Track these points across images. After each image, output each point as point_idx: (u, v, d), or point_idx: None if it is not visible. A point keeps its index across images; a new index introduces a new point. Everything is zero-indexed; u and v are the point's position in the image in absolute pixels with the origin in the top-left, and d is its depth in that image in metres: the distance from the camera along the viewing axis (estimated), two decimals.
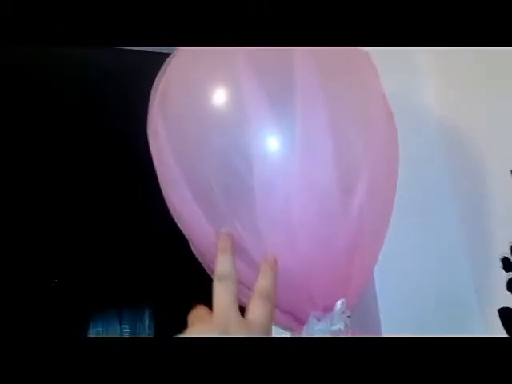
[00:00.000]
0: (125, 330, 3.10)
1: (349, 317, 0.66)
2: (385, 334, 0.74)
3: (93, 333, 3.11)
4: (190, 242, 0.71)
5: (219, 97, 0.60)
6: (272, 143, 0.57)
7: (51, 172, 2.20)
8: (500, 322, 0.73)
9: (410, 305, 0.78)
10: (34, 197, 2.40)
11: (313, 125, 0.57)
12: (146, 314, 3.12)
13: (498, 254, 0.76)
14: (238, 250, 0.59)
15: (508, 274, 0.76)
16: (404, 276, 0.79)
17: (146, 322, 3.09)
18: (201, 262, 0.71)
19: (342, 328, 0.65)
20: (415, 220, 0.84)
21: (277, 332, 0.65)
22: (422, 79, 0.98)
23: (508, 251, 0.76)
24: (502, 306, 0.73)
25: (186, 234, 0.70)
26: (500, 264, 0.77)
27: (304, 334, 0.65)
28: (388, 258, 0.70)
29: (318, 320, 0.65)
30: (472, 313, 0.77)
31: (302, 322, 0.66)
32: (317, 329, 0.64)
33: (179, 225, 0.69)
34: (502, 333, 0.73)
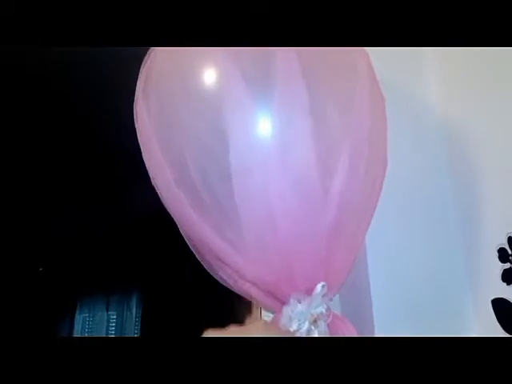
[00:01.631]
0: (112, 317, 3.11)
1: (330, 300, 0.63)
2: (376, 321, 0.72)
3: (79, 319, 3.12)
4: (178, 225, 0.69)
5: (198, 81, 0.60)
6: (250, 125, 0.57)
7: (40, 158, 2.18)
8: (493, 312, 0.70)
9: (403, 294, 0.77)
10: (24, 182, 2.37)
11: (291, 106, 0.56)
12: (134, 301, 3.11)
13: (493, 245, 0.74)
14: (221, 232, 0.59)
15: (503, 264, 0.73)
16: (397, 264, 0.77)
17: (134, 310, 3.09)
18: (187, 243, 0.70)
19: (324, 311, 0.62)
20: (411, 209, 0.81)
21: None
22: (424, 73, 0.95)
23: (505, 241, 0.73)
24: (496, 296, 0.70)
25: (172, 216, 0.68)
26: (496, 254, 0.74)
27: (284, 316, 0.62)
28: (381, 247, 0.68)
29: (299, 302, 0.62)
30: (465, 303, 0.74)
31: (284, 303, 0.63)
32: (297, 311, 0.61)
33: (166, 208, 0.69)
34: (494, 323, 0.70)
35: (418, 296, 0.76)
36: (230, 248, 0.60)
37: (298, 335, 0.64)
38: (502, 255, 0.74)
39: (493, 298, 0.70)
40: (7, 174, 2.28)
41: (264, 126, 0.56)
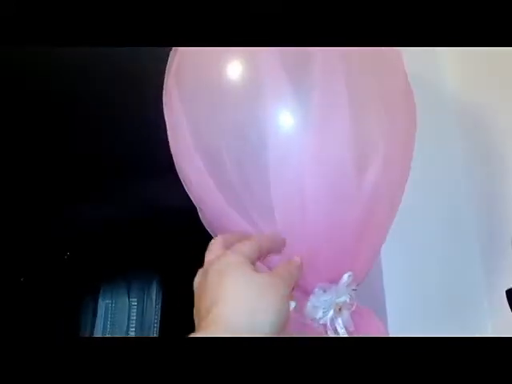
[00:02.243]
0: (133, 304, 3.20)
1: (354, 290, 0.66)
2: (389, 311, 0.74)
3: (102, 305, 3.21)
4: (199, 211, 0.71)
5: (236, 69, 0.59)
6: (288, 117, 0.57)
7: (64, 148, 2.23)
8: (507, 303, 0.72)
9: (415, 285, 0.78)
10: (51, 171, 2.44)
11: (330, 99, 0.57)
12: (154, 288, 3.20)
13: (509, 236, 0.75)
14: (251, 221, 0.60)
15: None
16: (410, 255, 0.78)
17: (153, 296, 3.17)
18: (208, 230, 0.71)
19: (348, 300, 0.65)
20: (427, 200, 0.82)
21: None
22: (444, 63, 0.95)
23: None
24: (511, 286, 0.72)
25: (195, 203, 0.71)
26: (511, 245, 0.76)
27: (309, 306, 0.66)
28: (395, 237, 0.70)
29: (324, 291, 0.65)
30: (479, 295, 0.76)
31: (307, 292, 0.66)
32: (322, 300, 0.65)
33: (190, 194, 0.70)
34: (508, 314, 0.72)
35: (431, 288, 0.77)
36: None
37: (322, 322, 0.67)
38: None
39: (507, 288, 0.72)
40: (35, 162, 2.36)
41: (302, 118, 0.57)
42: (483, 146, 0.86)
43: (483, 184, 0.82)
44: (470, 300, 0.76)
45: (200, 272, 0.54)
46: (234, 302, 0.44)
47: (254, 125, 0.57)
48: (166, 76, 0.68)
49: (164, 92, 0.69)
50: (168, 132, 0.69)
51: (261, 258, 0.54)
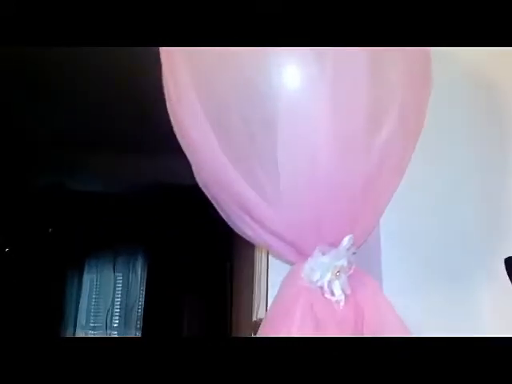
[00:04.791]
0: (118, 278, 3.18)
1: (354, 254, 0.65)
2: (384, 273, 0.73)
3: (87, 279, 3.19)
4: (194, 171, 0.68)
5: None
6: (300, 70, 0.55)
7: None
8: (505, 271, 0.72)
9: (413, 249, 0.77)
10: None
11: (348, 59, 0.55)
12: (139, 263, 3.18)
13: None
14: (255, 181, 0.57)
15: None
16: (409, 219, 0.77)
17: (139, 272, 3.16)
18: (204, 192, 0.69)
19: (345, 264, 0.64)
20: (427, 165, 0.80)
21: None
22: None
23: None
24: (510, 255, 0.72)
25: (193, 162, 0.68)
26: None
27: (306, 267, 0.65)
28: (395, 200, 0.68)
29: (324, 254, 0.64)
30: (478, 261, 0.76)
31: (305, 255, 0.65)
32: (320, 262, 0.64)
33: (188, 153, 0.67)
34: (505, 282, 0.73)
35: (429, 254, 0.76)
36: (260, 199, 0.59)
37: (319, 285, 0.67)
38: None
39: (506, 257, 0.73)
40: (20, 136, 2.29)
41: (316, 74, 0.54)
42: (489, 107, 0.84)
43: (487, 148, 0.80)
44: (468, 266, 0.76)
45: None
46: None
47: (263, 77, 0.55)
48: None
49: (163, 56, 0.66)
50: (167, 92, 0.66)
51: None
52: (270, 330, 0.61)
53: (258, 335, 0.62)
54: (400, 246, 0.78)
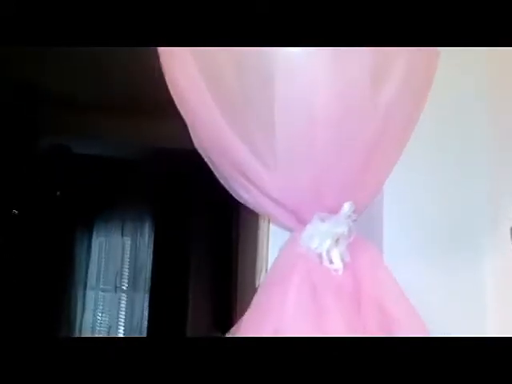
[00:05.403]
0: (126, 242, 3.22)
1: (354, 221, 0.63)
2: (386, 241, 0.71)
3: (96, 243, 3.23)
4: (191, 132, 0.66)
5: None
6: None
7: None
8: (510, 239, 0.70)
9: (417, 218, 0.74)
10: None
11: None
12: (146, 228, 3.21)
13: None
14: (252, 143, 0.55)
15: None
16: (413, 186, 0.74)
17: (146, 236, 3.19)
18: (201, 153, 0.66)
19: (345, 232, 0.62)
20: (433, 131, 0.76)
21: None
22: None
23: None
24: None
25: (189, 124, 0.65)
26: None
27: (305, 235, 0.63)
28: (399, 168, 0.65)
29: (323, 221, 0.62)
30: (482, 230, 0.73)
31: (304, 222, 0.63)
32: (320, 229, 0.62)
33: (183, 112, 0.63)
34: (510, 251, 0.71)
35: (431, 223, 0.74)
36: (256, 160, 0.57)
37: (318, 252, 0.65)
38: None
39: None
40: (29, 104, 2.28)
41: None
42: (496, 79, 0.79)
43: (497, 116, 0.76)
44: (472, 235, 0.73)
45: None
46: None
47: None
48: None
49: None
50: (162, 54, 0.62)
51: None
52: (264, 296, 0.61)
53: (253, 302, 0.61)
54: (403, 214, 0.76)
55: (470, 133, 0.76)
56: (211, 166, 0.67)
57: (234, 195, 0.68)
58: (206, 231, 2.88)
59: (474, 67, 0.77)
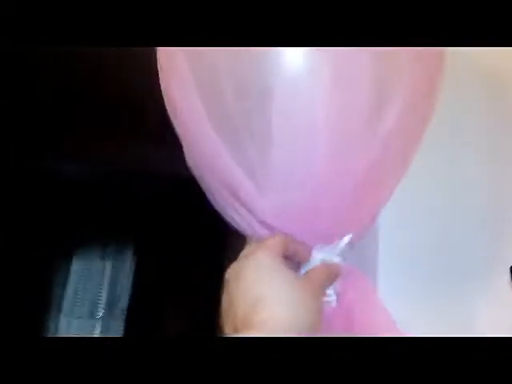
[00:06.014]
0: (107, 267, 3.13)
1: (349, 251, 0.62)
2: (380, 273, 0.70)
3: (75, 269, 3.14)
4: (185, 151, 0.64)
5: None
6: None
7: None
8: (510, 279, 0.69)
9: (412, 251, 0.73)
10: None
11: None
12: (128, 254, 3.14)
13: None
14: (246, 162, 0.54)
15: None
16: (409, 218, 0.73)
17: (128, 263, 3.11)
18: (194, 173, 0.65)
19: (337, 261, 0.60)
20: (429, 167, 0.76)
21: None
22: None
23: None
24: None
25: (184, 142, 0.64)
26: None
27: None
28: (394, 201, 0.64)
29: (318, 250, 0.60)
30: (478, 267, 0.72)
31: None
32: (315, 258, 0.60)
33: (177, 127, 0.62)
34: (505, 290, 0.69)
35: (429, 256, 0.72)
36: (252, 185, 0.55)
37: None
38: None
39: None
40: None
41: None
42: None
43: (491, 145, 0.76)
44: (468, 271, 0.72)
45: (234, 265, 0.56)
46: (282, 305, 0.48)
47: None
48: None
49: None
50: (159, 64, 0.62)
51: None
52: None
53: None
54: (398, 247, 0.75)
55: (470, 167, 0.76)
56: (203, 187, 0.65)
57: (224, 216, 0.66)
58: (193, 257, 2.81)
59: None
